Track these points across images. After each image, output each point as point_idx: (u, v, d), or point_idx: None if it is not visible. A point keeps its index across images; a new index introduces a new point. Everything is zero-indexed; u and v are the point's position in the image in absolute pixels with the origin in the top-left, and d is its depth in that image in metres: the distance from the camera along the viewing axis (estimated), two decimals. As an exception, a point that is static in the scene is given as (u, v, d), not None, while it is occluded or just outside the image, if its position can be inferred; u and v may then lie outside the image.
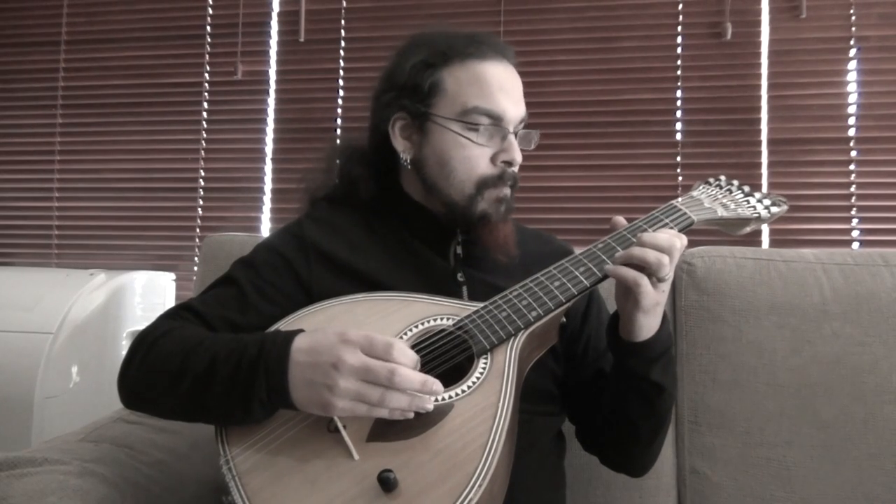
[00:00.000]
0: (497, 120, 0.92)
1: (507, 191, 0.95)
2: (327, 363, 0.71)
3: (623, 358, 0.89)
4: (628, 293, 0.82)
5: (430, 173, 0.95)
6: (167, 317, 0.90)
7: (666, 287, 0.83)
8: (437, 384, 0.73)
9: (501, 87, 0.93)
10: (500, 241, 0.95)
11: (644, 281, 0.80)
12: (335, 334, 0.73)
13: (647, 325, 0.85)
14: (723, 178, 1.01)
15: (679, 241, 0.82)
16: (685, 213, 0.91)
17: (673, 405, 0.95)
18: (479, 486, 0.68)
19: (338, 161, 1.05)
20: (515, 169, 0.95)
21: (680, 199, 0.94)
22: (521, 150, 0.95)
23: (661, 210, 0.90)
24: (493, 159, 0.94)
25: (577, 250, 0.91)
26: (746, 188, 1.00)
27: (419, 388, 0.72)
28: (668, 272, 0.80)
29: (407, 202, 1.00)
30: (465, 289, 0.95)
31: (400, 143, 0.97)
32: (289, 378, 0.73)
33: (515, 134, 0.94)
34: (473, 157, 0.93)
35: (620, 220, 0.89)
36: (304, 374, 0.72)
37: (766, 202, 0.97)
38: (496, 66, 0.94)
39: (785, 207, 0.97)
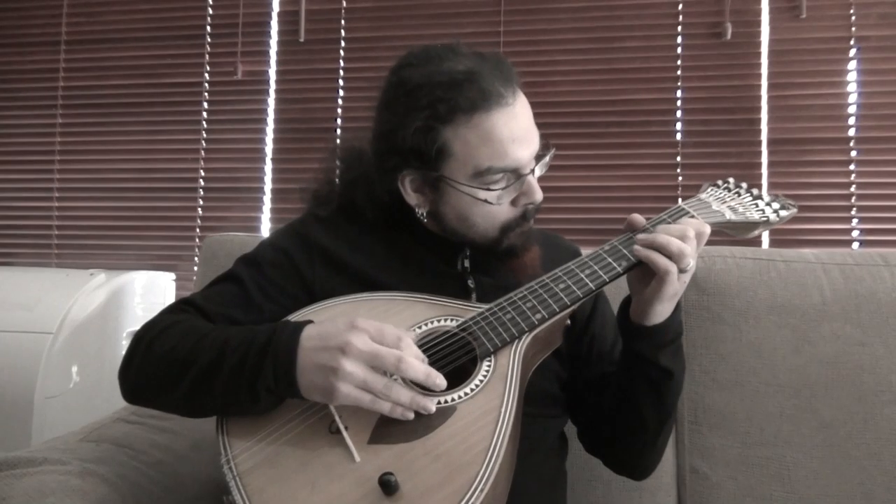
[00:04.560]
0: (513, 172, 0.87)
1: (530, 224, 0.93)
2: (335, 347, 0.72)
3: (633, 341, 0.89)
4: (649, 279, 0.83)
5: (449, 224, 0.93)
6: (170, 311, 0.89)
7: (687, 278, 0.83)
8: (440, 377, 0.74)
9: (513, 137, 0.85)
10: (528, 268, 0.92)
11: (674, 269, 0.80)
12: (346, 321, 0.74)
13: (663, 312, 0.85)
14: (731, 180, 1.00)
15: (699, 230, 0.83)
16: (693, 217, 0.90)
17: (679, 396, 0.94)
18: (482, 490, 0.68)
19: (340, 170, 1.03)
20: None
21: (688, 202, 0.93)
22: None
23: (668, 212, 0.90)
24: (514, 202, 0.90)
25: (582, 251, 0.90)
26: (755, 191, 0.98)
27: (423, 378, 0.73)
28: (690, 262, 0.81)
29: (418, 227, 0.97)
30: (474, 295, 0.94)
31: (413, 198, 0.92)
32: (297, 364, 0.73)
33: (532, 171, 0.89)
34: (494, 211, 0.89)
35: (637, 217, 0.88)
36: (311, 359, 0.73)
37: (775, 205, 0.96)
38: (503, 113, 0.85)
39: (794, 211, 0.96)
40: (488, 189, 0.87)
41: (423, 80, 0.87)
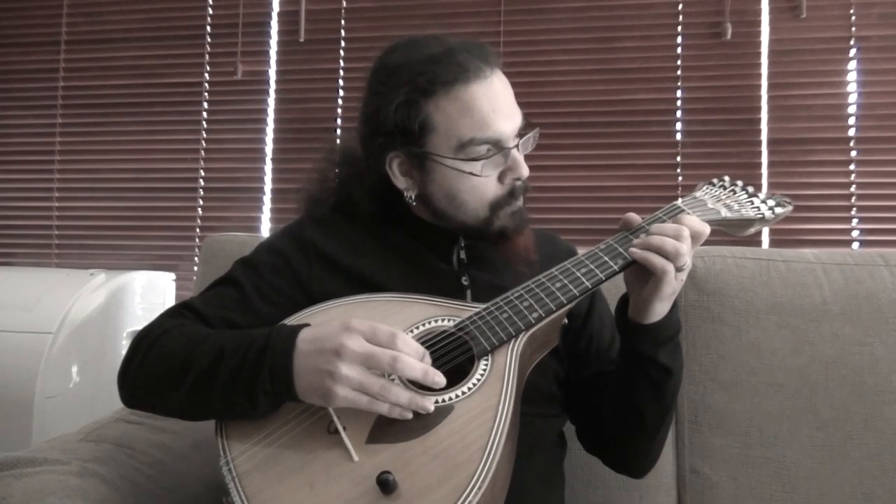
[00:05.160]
0: (496, 144, 0.88)
1: (520, 203, 0.93)
2: (330, 350, 0.72)
3: (631, 340, 0.89)
4: (647, 279, 0.83)
5: (438, 206, 0.93)
6: (168, 315, 0.90)
7: (684, 276, 0.83)
8: (438, 375, 0.73)
9: (493, 108, 0.87)
10: (521, 252, 0.93)
11: (671, 268, 0.80)
12: (340, 323, 0.74)
13: (661, 310, 0.86)
14: (727, 178, 1.00)
15: (697, 229, 0.83)
16: (689, 214, 0.90)
17: (678, 394, 0.94)
18: (479, 488, 0.68)
19: (336, 170, 1.03)
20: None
21: (683, 200, 0.93)
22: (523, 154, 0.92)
23: (664, 211, 0.90)
24: (500, 178, 0.91)
25: (580, 250, 0.90)
26: (750, 189, 0.99)
27: (421, 377, 0.73)
28: (686, 261, 0.81)
29: (411, 217, 0.98)
30: (469, 292, 0.94)
31: (401, 182, 0.93)
32: (293, 367, 0.74)
33: (517, 146, 0.90)
34: (481, 186, 0.90)
35: (633, 216, 0.89)
36: (307, 362, 0.73)
37: (771, 203, 0.96)
38: (482, 85, 0.87)
39: (789, 208, 0.96)
40: (472, 160, 0.88)
41: (403, 60, 0.90)
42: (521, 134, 0.91)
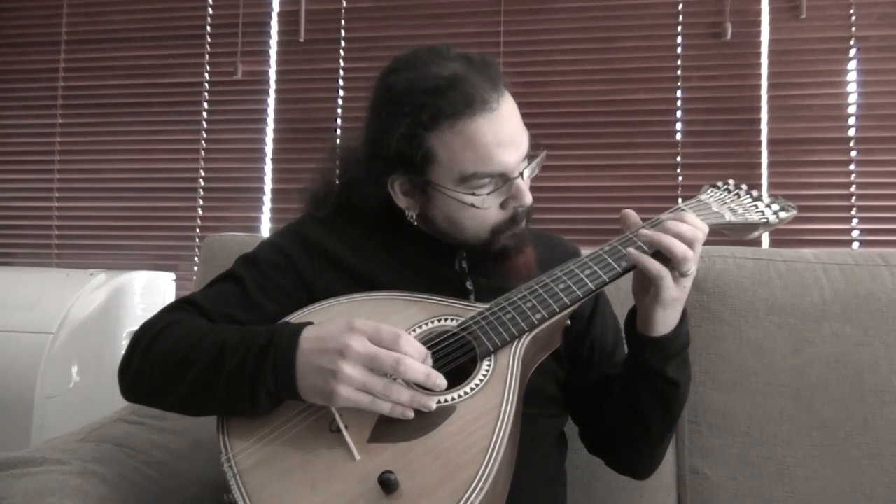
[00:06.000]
0: (500, 176, 0.87)
1: (522, 226, 0.92)
2: (334, 350, 0.72)
3: (639, 352, 0.88)
4: (648, 285, 0.82)
5: (439, 227, 0.93)
6: (170, 310, 0.90)
7: (688, 283, 0.82)
8: (440, 378, 0.73)
9: (498, 141, 0.85)
10: (522, 269, 0.92)
11: (667, 274, 0.79)
12: (343, 323, 0.74)
13: (665, 319, 0.84)
14: (731, 182, 1.00)
15: (702, 232, 0.82)
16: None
17: (685, 404, 0.93)
18: (481, 489, 0.68)
19: (338, 171, 1.03)
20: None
21: (688, 203, 0.93)
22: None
23: (668, 215, 0.89)
24: (503, 205, 0.90)
25: (583, 251, 0.90)
26: (755, 192, 0.99)
27: (423, 379, 0.73)
28: (692, 267, 0.80)
29: (413, 228, 0.97)
30: (472, 297, 0.94)
31: (403, 201, 0.93)
32: (296, 366, 0.74)
33: (521, 174, 0.88)
34: (482, 214, 0.88)
35: (631, 213, 0.88)
36: (310, 361, 0.73)
37: (775, 207, 0.96)
38: (487, 118, 0.84)
39: (794, 212, 0.96)
40: (474, 194, 0.86)
41: (406, 85, 0.87)
42: (528, 155, 0.90)
